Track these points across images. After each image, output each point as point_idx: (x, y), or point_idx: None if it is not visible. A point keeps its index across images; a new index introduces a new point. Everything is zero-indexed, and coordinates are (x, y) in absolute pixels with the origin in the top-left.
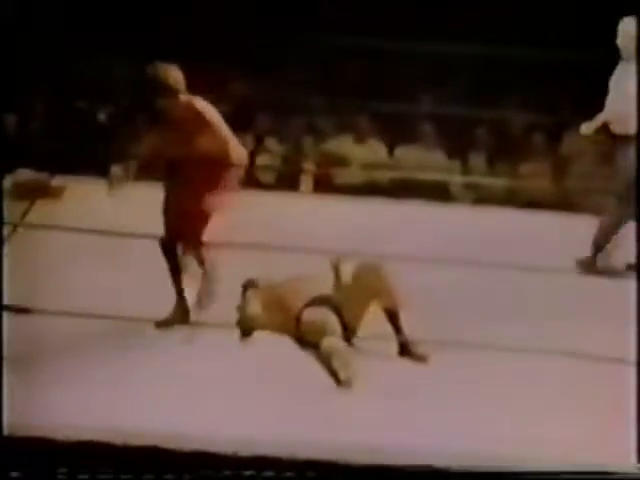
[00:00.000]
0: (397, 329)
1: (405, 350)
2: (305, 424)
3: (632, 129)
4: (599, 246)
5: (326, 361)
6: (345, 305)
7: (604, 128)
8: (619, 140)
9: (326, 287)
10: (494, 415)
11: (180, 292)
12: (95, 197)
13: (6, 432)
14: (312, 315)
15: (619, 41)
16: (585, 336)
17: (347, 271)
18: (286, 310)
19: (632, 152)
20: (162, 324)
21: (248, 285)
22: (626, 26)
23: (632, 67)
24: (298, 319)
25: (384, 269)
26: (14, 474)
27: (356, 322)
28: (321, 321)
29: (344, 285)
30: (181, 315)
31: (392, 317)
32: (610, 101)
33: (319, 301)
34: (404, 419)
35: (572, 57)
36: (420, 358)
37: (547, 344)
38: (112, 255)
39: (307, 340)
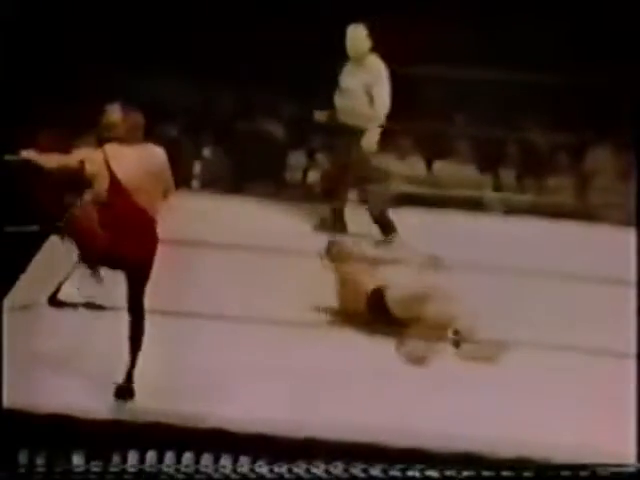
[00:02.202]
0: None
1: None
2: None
3: (357, 121)
4: None
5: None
6: None
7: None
8: (347, 129)
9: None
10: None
11: None
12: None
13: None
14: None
15: (347, 44)
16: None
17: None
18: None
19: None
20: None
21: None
22: (351, 32)
23: (355, 67)
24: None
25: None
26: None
27: None
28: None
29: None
30: None
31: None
32: (338, 96)
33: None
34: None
35: (593, 81)
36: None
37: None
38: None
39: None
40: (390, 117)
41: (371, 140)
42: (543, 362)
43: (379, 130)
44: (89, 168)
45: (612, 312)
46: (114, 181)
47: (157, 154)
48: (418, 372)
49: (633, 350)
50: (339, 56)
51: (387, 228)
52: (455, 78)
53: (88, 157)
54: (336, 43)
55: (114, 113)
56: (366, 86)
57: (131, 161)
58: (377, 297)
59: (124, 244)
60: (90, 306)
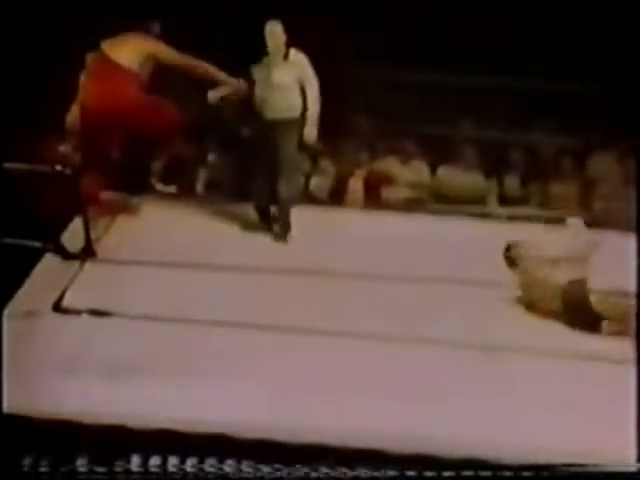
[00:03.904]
0: None
1: None
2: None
3: (290, 114)
4: None
5: None
6: None
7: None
8: (279, 123)
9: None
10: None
11: None
12: (166, 213)
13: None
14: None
15: (268, 40)
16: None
17: None
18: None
19: (272, 136)
20: None
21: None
22: (269, 27)
23: (281, 62)
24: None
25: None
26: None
27: None
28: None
29: None
30: None
31: None
32: (268, 90)
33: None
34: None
35: (596, 88)
36: None
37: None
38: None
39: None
40: (393, 121)
41: (312, 132)
42: (543, 367)
43: (317, 122)
44: None
45: None
46: None
47: None
48: (421, 377)
49: (632, 355)
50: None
51: (286, 227)
52: (461, 84)
53: None
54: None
55: None
56: (298, 80)
57: None
58: (575, 291)
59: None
60: (95, 312)
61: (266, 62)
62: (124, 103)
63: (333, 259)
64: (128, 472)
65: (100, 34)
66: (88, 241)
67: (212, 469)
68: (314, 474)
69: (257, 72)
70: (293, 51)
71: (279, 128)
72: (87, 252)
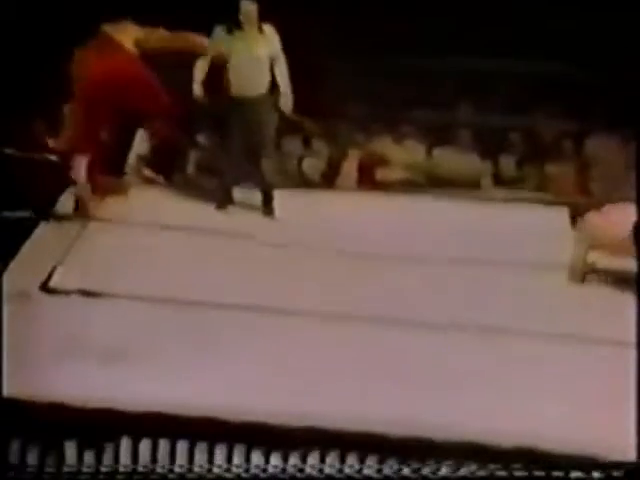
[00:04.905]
0: None
1: None
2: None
3: (252, 91)
4: None
5: None
6: None
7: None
8: (236, 100)
9: None
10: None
11: None
12: (153, 193)
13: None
14: None
15: (241, 15)
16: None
17: None
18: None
19: (248, 114)
20: None
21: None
22: (244, 6)
23: (257, 35)
24: None
25: None
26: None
27: None
28: None
29: None
30: None
31: None
32: (247, 63)
33: None
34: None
35: (598, 72)
36: None
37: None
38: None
39: None
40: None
41: (288, 102)
42: (544, 352)
43: (290, 93)
44: None
45: (613, 302)
46: None
47: None
48: (420, 366)
49: (633, 339)
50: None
51: (269, 199)
52: (461, 67)
53: None
54: None
55: None
56: (271, 53)
57: None
58: None
59: None
60: (84, 293)
61: (239, 35)
62: (122, 76)
63: (322, 239)
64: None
65: (96, 21)
66: (79, 204)
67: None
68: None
69: (231, 43)
70: (265, 25)
71: (255, 105)
72: (80, 213)
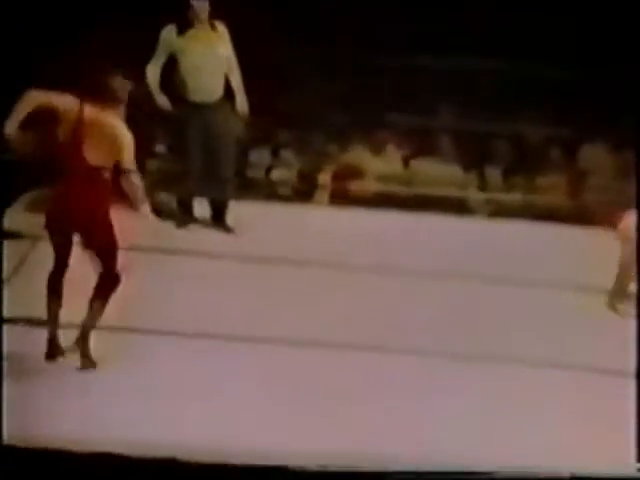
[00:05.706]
0: None
1: None
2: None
3: (206, 96)
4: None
5: None
6: None
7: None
8: (195, 107)
9: None
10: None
11: None
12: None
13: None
14: None
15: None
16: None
17: None
18: None
19: (207, 120)
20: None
21: None
22: (196, 3)
23: (213, 35)
24: None
25: None
26: None
27: None
28: None
29: None
30: None
31: None
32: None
33: None
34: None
35: (586, 74)
36: None
37: (554, 357)
38: None
39: None
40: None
41: (244, 102)
42: (541, 379)
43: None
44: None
45: (610, 324)
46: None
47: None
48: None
49: (632, 368)
50: None
51: (221, 214)
52: (441, 69)
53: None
54: None
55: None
56: (227, 55)
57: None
58: None
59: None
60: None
61: (192, 34)
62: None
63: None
64: None
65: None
66: None
67: None
68: None
69: (184, 43)
70: (217, 22)
71: (214, 111)
72: None
